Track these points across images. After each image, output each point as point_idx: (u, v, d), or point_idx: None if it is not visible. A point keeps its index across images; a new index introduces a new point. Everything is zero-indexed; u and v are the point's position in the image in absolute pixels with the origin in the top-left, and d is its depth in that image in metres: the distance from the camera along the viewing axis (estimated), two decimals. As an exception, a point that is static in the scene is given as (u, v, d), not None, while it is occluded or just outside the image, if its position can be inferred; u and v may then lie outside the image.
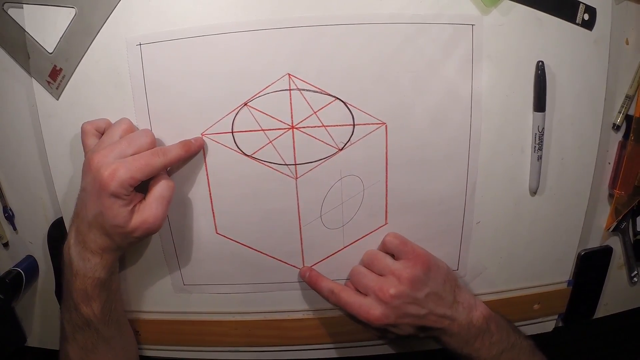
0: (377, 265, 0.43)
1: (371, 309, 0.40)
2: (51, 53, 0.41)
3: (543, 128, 0.42)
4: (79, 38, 0.40)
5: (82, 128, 0.40)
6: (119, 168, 0.35)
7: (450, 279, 0.43)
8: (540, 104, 0.42)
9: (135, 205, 0.38)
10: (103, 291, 0.40)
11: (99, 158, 0.36)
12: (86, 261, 0.39)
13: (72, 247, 0.39)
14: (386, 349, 0.51)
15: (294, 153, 0.43)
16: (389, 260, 0.43)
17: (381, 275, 0.42)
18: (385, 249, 0.45)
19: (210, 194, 0.44)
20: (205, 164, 0.43)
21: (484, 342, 0.42)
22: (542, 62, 0.41)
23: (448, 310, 0.41)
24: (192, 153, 0.41)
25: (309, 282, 0.45)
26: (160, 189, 0.39)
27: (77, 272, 0.39)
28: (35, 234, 0.49)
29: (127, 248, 0.42)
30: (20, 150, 0.46)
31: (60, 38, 0.40)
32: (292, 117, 0.42)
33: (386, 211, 0.45)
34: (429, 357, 0.50)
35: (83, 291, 0.39)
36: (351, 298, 0.42)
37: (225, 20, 0.40)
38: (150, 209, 0.38)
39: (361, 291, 0.43)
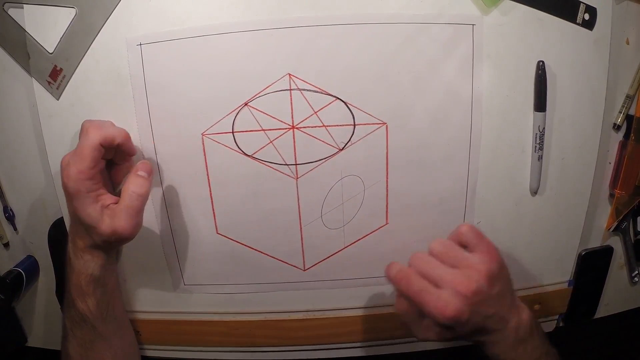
0: (452, 257, 0.39)
1: (449, 303, 0.35)
2: (51, 53, 0.41)
3: (544, 128, 0.42)
4: (79, 38, 0.40)
5: (83, 125, 0.39)
6: (69, 165, 0.36)
7: (510, 279, 0.40)
8: (540, 104, 0.42)
9: (109, 205, 0.38)
10: (97, 288, 0.40)
11: (62, 161, 0.37)
12: (79, 258, 0.39)
13: (70, 244, 0.40)
14: (386, 350, 0.51)
15: (295, 153, 0.43)
16: (466, 253, 0.39)
17: (454, 268, 0.38)
18: (459, 239, 0.40)
19: (210, 194, 0.44)
20: (206, 164, 0.43)
21: (526, 347, 0.39)
22: (543, 62, 0.41)
23: (507, 312, 0.38)
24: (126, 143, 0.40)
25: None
26: (129, 198, 0.38)
27: (73, 268, 0.40)
28: (35, 234, 0.49)
29: (112, 248, 0.41)
30: (21, 150, 0.46)
31: (61, 38, 0.40)
32: (292, 117, 0.42)
33: (387, 211, 0.45)
34: (430, 357, 0.50)
35: (78, 287, 0.40)
36: (426, 287, 0.37)
37: (226, 20, 0.40)
38: (119, 220, 0.37)
39: (431, 282, 0.38)
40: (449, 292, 0.36)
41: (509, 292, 0.39)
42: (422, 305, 0.37)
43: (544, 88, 0.42)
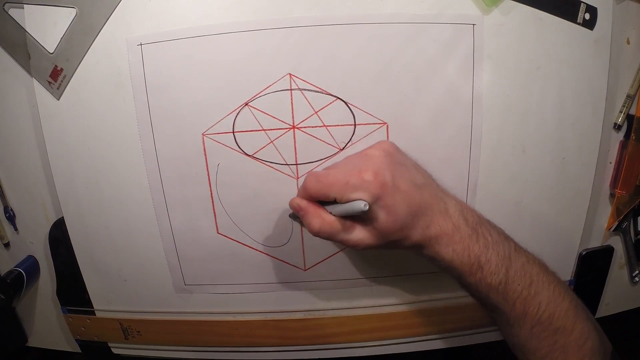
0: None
1: (365, 167, 0.33)
2: (52, 53, 0.41)
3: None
4: (79, 38, 0.40)
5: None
6: None
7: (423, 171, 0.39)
8: None
9: None
10: None
11: None
12: None
13: None
14: (386, 350, 0.51)
15: (295, 153, 0.43)
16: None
17: None
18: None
19: (211, 194, 0.44)
20: (207, 164, 0.43)
21: (486, 235, 0.35)
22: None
23: (439, 189, 0.37)
24: None
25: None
26: None
27: None
28: (36, 234, 0.49)
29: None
30: (21, 150, 0.46)
31: (61, 38, 0.40)
32: (293, 117, 0.42)
33: (387, 211, 0.45)
34: (430, 357, 0.50)
35: None
36: (336, 173, 0.35)
37: (226, 20, 0.40)
38: None
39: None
40: (361, 160, 0.35)
41: (426, 175, 0.38)
42: (340, 187, 0.33)
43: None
